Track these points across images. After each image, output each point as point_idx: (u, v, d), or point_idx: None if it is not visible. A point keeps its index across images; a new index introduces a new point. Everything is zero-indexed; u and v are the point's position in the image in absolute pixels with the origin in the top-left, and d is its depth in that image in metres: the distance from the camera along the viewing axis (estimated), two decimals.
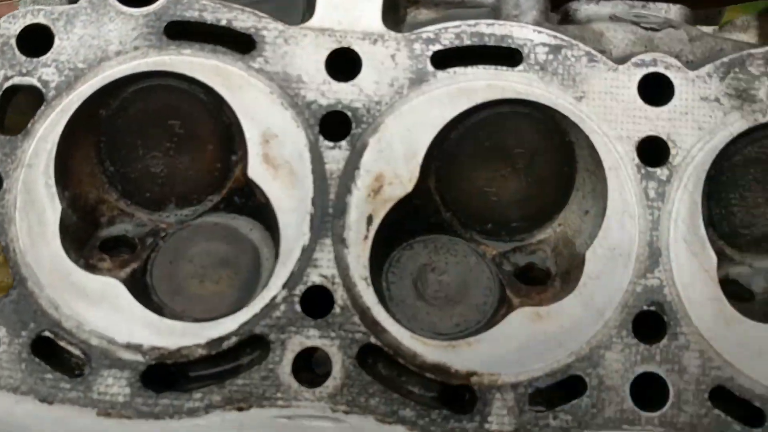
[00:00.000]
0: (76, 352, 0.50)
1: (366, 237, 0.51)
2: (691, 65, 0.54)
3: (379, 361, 0.51)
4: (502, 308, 0.51)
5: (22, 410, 0.47)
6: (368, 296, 0.50)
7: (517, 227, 0.56)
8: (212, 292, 0.54)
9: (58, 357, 0.51)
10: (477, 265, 0.54)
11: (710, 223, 0.56)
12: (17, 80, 0.55)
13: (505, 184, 0.56)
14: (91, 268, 0.52)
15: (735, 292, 0.56)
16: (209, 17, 0.53)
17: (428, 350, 0.49)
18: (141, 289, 0.51)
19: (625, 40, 0.55)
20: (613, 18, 0.56)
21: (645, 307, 0.50)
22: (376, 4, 0.54)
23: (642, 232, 0.51)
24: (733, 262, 0.56)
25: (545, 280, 0.54)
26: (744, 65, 0.53)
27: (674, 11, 0.57)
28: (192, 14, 0.53)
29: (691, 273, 0.51)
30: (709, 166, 0.52)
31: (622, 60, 0.54)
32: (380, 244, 0.52)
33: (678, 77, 0.53)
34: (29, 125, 0.54)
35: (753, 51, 0.53)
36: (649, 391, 0.50)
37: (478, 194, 0.55)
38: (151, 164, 0.56)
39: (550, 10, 0.57)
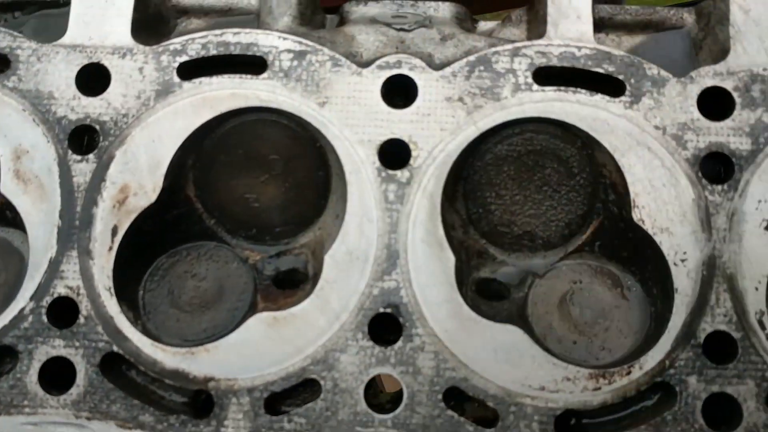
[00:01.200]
0: None
1: (110, 248, 0.52)
2: (439, 65, 0.54)
3: (122, 369, 0.52)
4: (249, 314, 0.52)
5: None
6: (111, 306, 0.52)
7: (281, 232, 0.57)
8: None
9: None
10: (236, 270, 0.56)
11: (470, 222, 0.56)
12: None
13: (264, 190, 0.57)
14: None
15: (494, 290, 0.56)
16: None
17: (167, 357, 0.51)
18: None
19: (376, 42, 0.55)
20: (372, 20, 0.56)
21: (381, 310, 0.51)
22: (125, 19, 0.55)
23: (380, 235, 0.52)
24: (495, 260, 0.56)
25: (301, 283, 0.55)
26: (489, 63, 0.53)
27: (443, 8, 0.57)
28: None
29: (429, 275, 0.51)
30: (450, 167, 0.52)
31: (369, 63, 0.54)
32: (132, 253, 0.54)
33: (422, 78, 0.53)
34: None
35: (498, 48, 0.53)
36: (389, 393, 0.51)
37: (239, 201, 0.56)
38: None
39: (313, 11, 0.58)
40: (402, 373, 0.50)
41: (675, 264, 0.51)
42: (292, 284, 0.55)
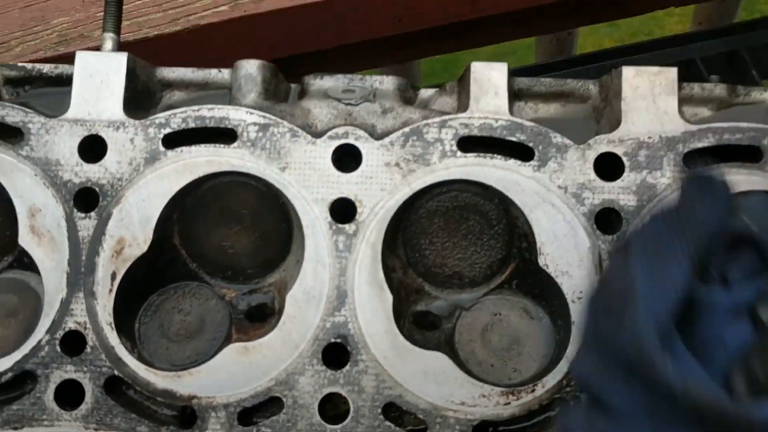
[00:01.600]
0: None
1: (111, 290, 0.63)
2: (380, 135, 0.64)
3: (122, 389, 0.63)
4: (225, 343, 0.63)
5: None
6: (112, 338, 0.62)
7: (251, 273, 0.67)
8: (2, 335, 0.67)
9: None
10: (215, 306, 0.66)
11: (409, 264, 0.67)
12: None
13: (237, 239, 0.67)
14: None
15: (429, 321, 0.66)
16: None
17: (158, 379, 0.61)
18: None
19: (328, 115, 0.65)
20: (325, 95, 0.66)
21: (333, 340, 0.61)
22: (118, 97, 0.64)
23: (332, 278, 0.62)
24: (430, 296, 0.66)
25: (268, 317, 0.65)
26: (421, 134, 0.63)
27: (387, 82, 0.67)
28: None
29: (371, 311, 0.61)
30: (389, 221, 0.63)
31: (322, 133, 0.64)
32: (129, 293, 0.64)
33: (365, 147, 0.63)
34: None
35: (429, 121, 0.63)
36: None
37: (216, 248, 0.66)
38: None
39: (276, 87, 0.68)
40: (349, 392, 0.61)
41: (573, 301, 0.61)
42: (262, 317, 0.65)
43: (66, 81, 0.68)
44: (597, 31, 1.47)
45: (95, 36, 0.97)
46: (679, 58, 1.10)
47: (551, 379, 0.59)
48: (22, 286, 0.67)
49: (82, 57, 0.65)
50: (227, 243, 0.66)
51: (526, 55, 1.50)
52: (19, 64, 0.69)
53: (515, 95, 0.65)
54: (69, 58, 0.68)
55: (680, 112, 0.62)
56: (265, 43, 0.92)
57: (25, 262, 0.67)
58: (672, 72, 0.62)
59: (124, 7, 0.84)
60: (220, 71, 0.68)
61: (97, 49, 0.70)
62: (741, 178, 0.60)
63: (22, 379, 0.62)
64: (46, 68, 0.69)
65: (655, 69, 0.62)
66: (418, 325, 0.64)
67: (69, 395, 0.61)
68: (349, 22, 0.99)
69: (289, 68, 0.75)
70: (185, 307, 0.66)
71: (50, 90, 0.69)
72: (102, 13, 0.85)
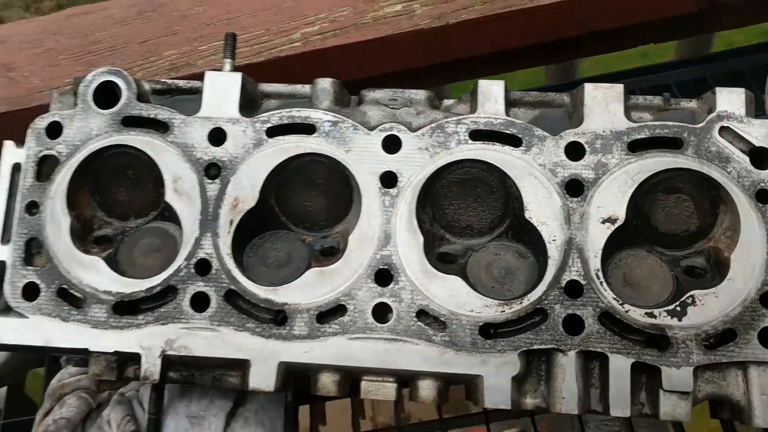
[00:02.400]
0: (79, 295, 0.87)
1: (229, 232, 0.89)
2: (415, 129, 0.91)
3: (236, 299, 0.90)
4: (306, 269, 0.89)
5: (52, 325, 0.89)
6: (230, 264, 0.88)
7: (324, 224, 0.92)
8: (152, 264, 0.93)
9: (70, 298, 0.87)
10: (298, 246, 0.92)
11: (434, 219, 0.93)
12: (46, 152, 0.98)
13: (315, 200, 0.91)
14: (86, 251, 0.90)
15: (449, 259, 0.91)
16: (144, 113, 0.94)
17: (261, 292, 0.87)
18: (113, 263, 0.90)
19: (377, 115, 0.92)
20: (377, 102, 0.93)
21: (381, 266, 0.86)
22: (234, 103, 0.91)
23: (381, 225, 0.87)
24: (449, 242, 0.92)
25: (336, 252, 0.92)
26: (443, 128, 0.90)
27: (420, 94, 0.94)
28: (135, 112, 0.93)
29: (408, 247, 0.86)
30: (421, 187, 0.89)
31: (374, 128, 0.91)
32: (241, 235, 0.89)
33: (405, 136, 0.90)
34: (52, 176, 0.97)
35: (449, 119, 0.89)
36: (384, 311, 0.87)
37: (300, 207, 0.91)
38: (119, 195, 0.93)
39: (342, 96, 0.95)
40: (392, 302, 0.86)
41: (549, 242, 0.86)
42: (331, 254, 0.92)
43: (194, 92, 0.96)
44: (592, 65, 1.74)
45: (198, 64, 1.27)
46: (657, 82, 1.37)
47: (533, 295, 0.84)
48: (163, 232, 0.94)
49: (210, 75, 0.93)
50: (308, 203, 0.91)
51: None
52: (162, 80, 0.98)
53: (511, 103, 0.92)
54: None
55: (627, 114, 0.88)
56: (329, 70, 1.22)
57: (166, 215, 0.94)
58: (619, 87, 0.88)
59: (217, 44, 1.15)
60: (303, 86, 0.95)
61: (201, 73, 0.93)
62: (668, 159, 0.86)
63: (167, 292, 0.86)
64: (181, 83, 0.98)
65: (607, 85, 0.88)
66: (440, 261, 0.89)
67: (199, 303, 0.85)
68: (389, 56, 1.28)
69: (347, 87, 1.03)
70: (278, 246, 0.92)
71: (183, 98, 0.98)
72: (203, 48, 1.16)
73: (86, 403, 1.08)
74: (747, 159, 0.84)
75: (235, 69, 0.97)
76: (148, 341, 0.86)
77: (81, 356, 0.89)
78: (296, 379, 0.87)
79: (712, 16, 1.20)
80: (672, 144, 0.86)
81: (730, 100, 0.86)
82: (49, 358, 1.27)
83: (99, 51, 1.33)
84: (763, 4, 1.21)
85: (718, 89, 0.86)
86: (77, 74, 1.26)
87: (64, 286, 0.88)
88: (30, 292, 0.89)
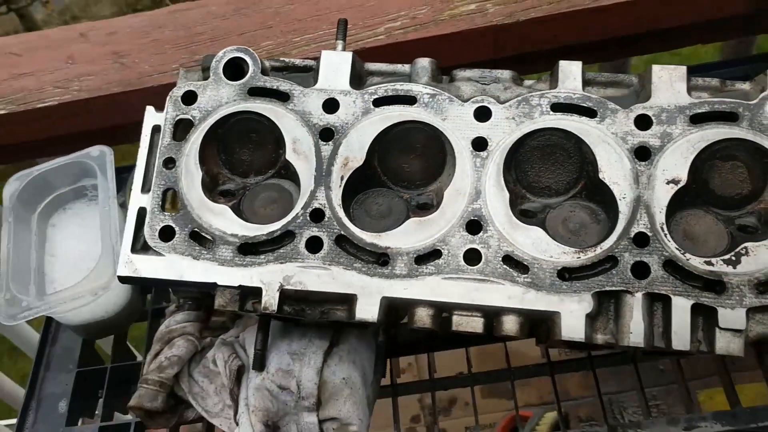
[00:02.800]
0: (209, 237, 1.01)
1: (340, 186, 1.02)
2: (503, 101, 1.05)
3: (344, 243, 1.03)
4: (405, 219, 1.03)
5: (185, 262, 1.04)
6: (341, 212, 1.02)
7: (419, 183, 1.05)
8: (270, 213, 1.07)
9: (201, 240, 1.02)
10: (398, 201, 1.06)
11: (517, 180, 1.06)
12: (182, 116, 1.14)
13: (413, 162, 1.04)
14: (216, 201, 1.05)
15: (530, 214, 1.04)
16: (268, 85, 1.09)
17: (367, 236, 0.99)
18: (238, 211, 1.05)
19: (469, 90, 1.06)
20: (468, 79, 1.08)
21: (472, 218, 0.99)
22: (346, 77, 1.06)
23: (472, 182, 1.00)
24: (530, 200, 1.04)
25: (430, 208, 1.06)
26: (528, 101, 1.04)
27: (505, 73, 1.08)
28: (260, 84, 1.09)
29: (495, 201, 0.98)
30: (508, 151, 1.02)
31: (467, 100, 1.06)
32: (349, 189, 1.01)
33: (494, 107, 1.03)
34: (186, 137, 1.13)
35: (533, 93, 1.03)
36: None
37: (399, 168, 1.05)
38: (242, 155, 1.08)
39: (438, 74, 1.10)
40: (482, 247, 0.98)
41: (620, 200, 0.98)
42: (426, 209, 1.06)
43: (308, 69, 1.12)
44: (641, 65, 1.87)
45: (292, 53, 1.42)
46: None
47: (606, 244, 0.96)
48: (280, 188, 1.07)
49: (326, 53, 1.08)
50: (406, 165, 1.03)
51: None
52: (281, 58, 1.14)
53: (586, 82, 1.06)
54: None
55: (689, 92, 1.02)
56: (410, 60, 1.37)
57: (282, 173, 1.09)
58: (682, 68, 1.01)
59: (308, 36, 1.30)
60: (403, 65, 1.10)
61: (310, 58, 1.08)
62: (725, 130, 0.99)
63: (285, 236, 0.98)
64: (297, 61, 1.13)
65: (672, 66, 1.02)
66: (522, 215, 1.03)
67: (313, 245, 0.92)
68: (464, 49, 1.42)
69: None
70: (379, 201, 1.05)
71: (298, 75, 1.13)
72: (296, 39, 1.31)
73: (193, 344, 1.23)
74: None
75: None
76: (268, 277, 0.99)
77: (208, 290, 1.03)
78: (394, 315, 1.00)
79: (759, 18, 1.33)
80: (729, 117, 0.99)
81: None
82: (152, 313, 1.42)
83: (201, 41, 1.49)
84: None
85: None
86: (182, 61, 1.44)
87: (195, 229, 1.03)
88: (166, 234, 1.04)
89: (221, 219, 1.03)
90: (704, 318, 0.94)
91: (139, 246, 1.05)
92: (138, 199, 1.06)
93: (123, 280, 1.04)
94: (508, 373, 1.23)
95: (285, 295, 1.00)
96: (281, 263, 0.99)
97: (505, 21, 1.33)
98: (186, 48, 1.49)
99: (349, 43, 1.37)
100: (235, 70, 1.09)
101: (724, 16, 1.34)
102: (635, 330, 0.92)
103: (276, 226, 1.01)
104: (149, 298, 1.49)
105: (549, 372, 1.20)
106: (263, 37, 1.45)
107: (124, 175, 1.44)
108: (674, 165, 0.97)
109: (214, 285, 1.01)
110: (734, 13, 1.32)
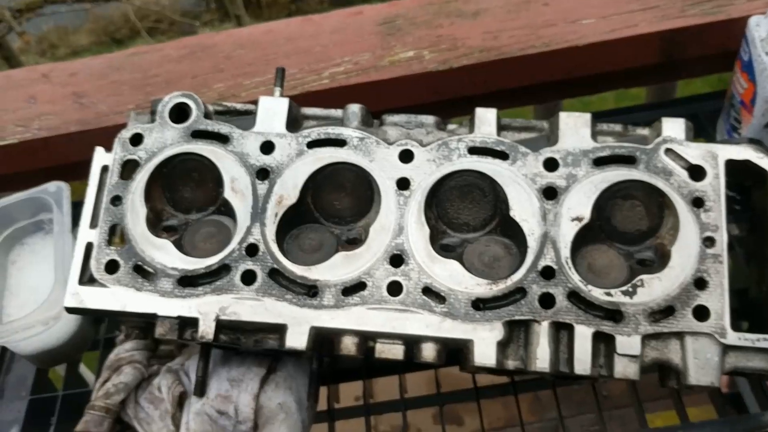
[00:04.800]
0: (151, 270, 1.09)
1: (274, 222, 1.11)
2: (425, 144, 1.15)
3: (278, 275, 1.11)
4: (335, 253, 1.11)
5: (128, 294, 1.10)
6: (274, 247, 1.09)
7: (349, 220, 1.15)
8: (209, 248, 1.15)
9: (144, 273, 1.09)
10: (329, 236, 1.15)
11: (438, 217, 1.15)
12: (129, 157, 1.22)
13: (343, 199, 1.13)
14: (159, 236, 1.11)
15: (449, 248, 1.13)
16: (209, 128, 1.17)
17: (298, 269, 1.06)
18: (179, 245, 1.13)
19: (395, 134, 1.14)
20: (395, 124, 1.17)
21: (395, 252, 1.07)
22: (282, 121, 1.16)
23: (395, 219, 1.08)
24: (450, 235, 1.13)
25: (358, 242, 1.14)
26: (447, 144, 1.13)
27: (429, 118, 1.18)
28: (202, 127, 1.17)
29: (416, 237, 1.06)
30: (428, 190, 1.11)
31: (393, 143, 1.15)
32: (283, 225, 1.10)
33: (416, 150, 1.11)
34: (133, 176, 1.21)
35: (452, 138, 1.13)
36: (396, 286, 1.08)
37: (331, 205, 1.12)
38: (184, 193, 1.16)
39: (368, 119, 1.19)
40: (403, 279, 1.07)
41: (529, 236, 1.07)
42: (354, 243, 1.14)
43: (248, 113, 1.20)
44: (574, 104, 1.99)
45: (242, 96, 1.51)
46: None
47: (516, 277, 1.05)
48: (219, 223, 1.14)
49: (263, 99, 1.16)
50: (337, 202, 1.09)
51: None
52: (223, 103, 1.23)
53: (501, 127, 1.15)
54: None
55: (593, 137, 1.12)
56: (352, 103, 1.46)
57: (222, 210, 1.16)
58: (587, 115, 1.11)
59: (257, 80, 1.39)
60: (336, 110, 1.19)
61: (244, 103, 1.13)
62: (624, 172, 1.09)
63: (222, 269, 1.02)
64: (239, 106, 1.22)
65: (577, 114, 1.12)
66: (442, 250, 1.11)
67: (248, 278, 1.00)
68: (402, 93, 1.52)
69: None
70: (312, 236, 1.12)
71: (239, 118, 1.22)
72: (246, 82, 1.40)
73: (140, 372, 1.28)
74: (686, 173, 1.07)
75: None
76: (205, 308, 1.06)
77: (149, 320, 1.10)
78: (322, 343, 1.08)
79: (671, 68, 1.45)
80: (628, 160, 1.08)
81: (674, 127, 1.09)
82: (105, 342, 1.48)
83: (156, 84, 1.58)
84: (714, 60, 1.46)
85: (664, 119, 1.09)
86: (138, 102, 1.52)
87: (139, 263, 1.10)
88: (111, 267, 1.10)
89: (163, 253, 1.10)
90: (605, 345, 1.02)
91: (86, 278, 1.12)
92: (86, 234, 1.13)
93: (70, 310, 1.10)
94: (438, 397, 1.30)
95: (221, 325, 1.06)
96: (218, 295, 1.06)
97: (439, 68, 1.43)
98: (141, 89, 1.57)
99: (294, 86, 1.47)
100: (180, 113, 1.18)
101: (642, 65, 1.46)
102: (541, 356, 1.00)
103: (213, 260, 1.08)
104: (103, 327, 1.55)
105: (475, 398, 1.27)
106: (215, 79, 1.54)
107: (80, 209, 1.50)
108: (578, 204, 1.06)
109: (155, 315, 1.07)
110: (648, 63, 1.44)
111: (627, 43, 1.40)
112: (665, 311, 1.01)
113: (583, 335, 1.00)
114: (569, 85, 1.52)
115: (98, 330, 1.53)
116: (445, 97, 1.49)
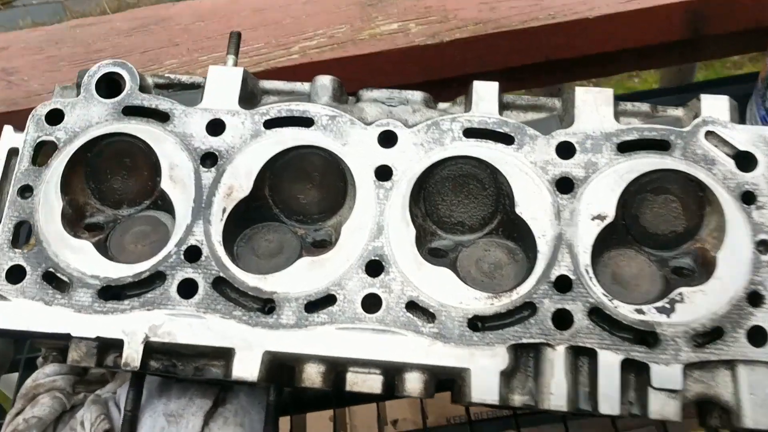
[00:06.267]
0: (65, 279, 0.86)
1: (221, 219, 0.89)
2: (411, 125, 0.93)
3: (224, 286, 0.89)
4: (297, 259, 0.89)
5: (34, 309, 0.87)
6: (220, 251, 0.88)
7: (317, 218, 0.93)
8: (141, 250, 0.93)
9: (56, 282, 0.86)
10: (291, 238, 0.93)
11: (427, 215, 0.94)
12: (44, 138, 0.99)
13: (309, 193, 0.93)
14: (78, 235, 0.89)
15: (440, 254, 0.92)
16: (145, 103, 0.95)
17: (250, 279, 0.86)
18: (102, 249, 0.90)
19: (374, 112, 0.94)
20: (374, 100, 0.96)
21: (373, 257, 0.87)
22: (235, 95, 0.94)
23: (374, 217, 0.88)
24: (441, 237, 0.92)
25: (327, 245, 0.92)
26: (438, 125, 0.92)
27: (416, 95, 0.97)
28: (136, 102, 0.95)
29: (400, 239, 0.86)
30: (415, 181, 0.90)
31: (371, 123, 0.93)
32: (233, 223, 0.88)
33: (400, 131, 0.91)
34: (48, 161, 0.98)
35: (444, 117, 0.91)
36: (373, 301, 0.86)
37: (294, 198, 0.93)
38: (114, 183, 0.94)
39: (341, 95, 0.98)
40: (382, 292, 0.85)
41: (539, 238, 0.87)
42: (322, 247, 0.92)
43: (196, 87, 0.98)
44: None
45: (197, 73, 1.30)
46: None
47: (523, 289, 0.84)
48: (155, 220, 0.93)
49: (213, 68, 0.95)
50: (301, 195, 0.92)
51: None
52: (165, 74, 1.00)
53: (504, 105, 0.95)
54: None
55: (616, 117, 0.91)
56: None
57: (159, 204, 0.94)
58: (609, 91, 0.91)
59: (216, 55, 1.17)
60: (303, 84, 0.98)
61: None
62: (656, 160, 0.88)
63: (155, 278, 0.84)
64: (184, 78, 1.00)
65: (597, 89, 0.92)
66: (431, 255, 0.90)
67: (187, 289, 0.83)
68: (385, 70, 1.31)
69: None
70: (269, 237, 0.92)
71: (184, 92, 1.00)
72: (203, 58, 1.18)
73: (60, 403, 1.05)
74: (732, 162, 0.86)
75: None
76: (131, 327, 0.84)
77: (62, 341, 0.87)
78: (280, 373, 0.86)
79: (697, 45, 1.25)
80: (660, 146, 0.88)
81: (715, 106, 0.89)
82: (25, 363, 1.25)
83: (100, 59, 1.34)
84: (744, 37, 1.27)
85: (702, 96, 0.89)
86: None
87: (50, 269, 0.87)
88: (15, 275, 0.88)
89: (81, 257, 0.87)
90: (636, 375, 0.82)
91: None
92: None
93: None
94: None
95: (151, 349, 0.84)
96: (148, 310, 0.85)
97: (427, 42, 1.23)
98: (82, 65, 1.34)
99: (258, 62, 1.26)
100: (111, 86, 0.96)
101: (661, 42, 1.26)
102: (557, 391, 0.79)
103: (144, 266, 0.86)
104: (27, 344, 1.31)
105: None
106: (168, 54, 1.32)
107: None
108: (600, 198, 0.86)
109: (68, 336, 0.85)
110: (671, 39, 1.24)
111: (645, 15, 1.21)
112: (712, 333, 0.81)
113: (609, 364, 0.80)
114: (576, 64, 1.32)
115: (20, 348, 1.29)
116: (434, 76, 1.29)
